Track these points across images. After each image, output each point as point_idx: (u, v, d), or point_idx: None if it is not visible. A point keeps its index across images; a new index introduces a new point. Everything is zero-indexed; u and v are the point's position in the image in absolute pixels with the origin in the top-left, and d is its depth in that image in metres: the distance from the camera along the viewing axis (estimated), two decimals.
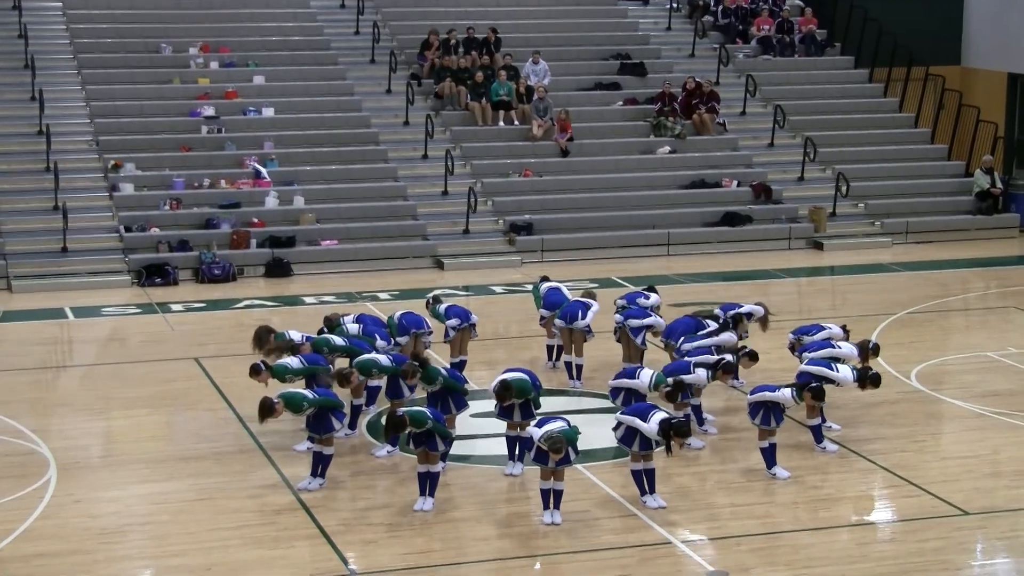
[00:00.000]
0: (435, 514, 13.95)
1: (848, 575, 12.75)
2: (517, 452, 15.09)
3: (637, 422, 13.94)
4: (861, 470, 15.33)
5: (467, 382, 16.00)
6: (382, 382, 16.21)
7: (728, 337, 17.24)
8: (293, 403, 14.32)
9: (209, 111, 28.56)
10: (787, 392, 15.12)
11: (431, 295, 18.63)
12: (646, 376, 15.43)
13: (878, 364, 17.48)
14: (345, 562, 12.92)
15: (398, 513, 14.00)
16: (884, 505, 14.65)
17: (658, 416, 13.92)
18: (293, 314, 22.17)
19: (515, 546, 13.39)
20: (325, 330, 17.03)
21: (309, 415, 14.50)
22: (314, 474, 14.66)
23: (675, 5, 34.44)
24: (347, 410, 15.59)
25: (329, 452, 14.68)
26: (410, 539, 13.42)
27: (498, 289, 24.34)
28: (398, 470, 15.21)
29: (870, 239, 28.57)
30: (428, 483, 14.08)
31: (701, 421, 16.36)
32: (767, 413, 14.94)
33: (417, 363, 15.20)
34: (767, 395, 15.06)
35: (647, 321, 17.99)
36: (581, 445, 14.13)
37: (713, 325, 17.44)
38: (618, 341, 18.33)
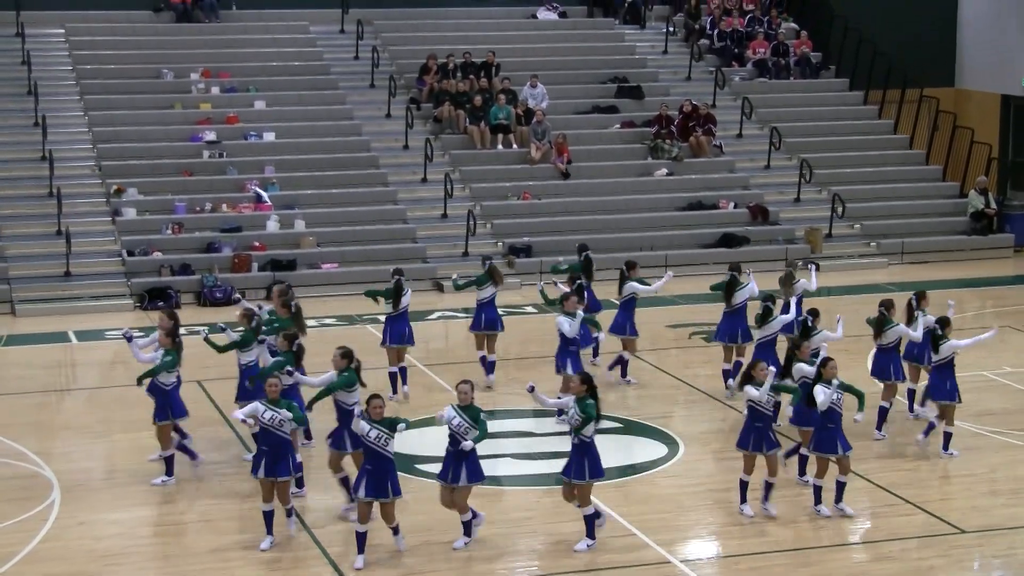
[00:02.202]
0: (437, 536, 14.02)
1: None
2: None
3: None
4: (858, 489, 15.38)
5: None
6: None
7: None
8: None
9: (210, 136, 28.72)
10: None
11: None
12: None
13: (873, 383, 17.60)
14: None
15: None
16: (881, 524, 14.72)
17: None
18: None
19: (514, 567, 13.52)
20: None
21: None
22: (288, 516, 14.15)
23: (671, 29, 34.65)
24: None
25: (265, 508, 13.86)
26: (412, 563, 13.49)
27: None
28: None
29: (866, 260, 28.72)
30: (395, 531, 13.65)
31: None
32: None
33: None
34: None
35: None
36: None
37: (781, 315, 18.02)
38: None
